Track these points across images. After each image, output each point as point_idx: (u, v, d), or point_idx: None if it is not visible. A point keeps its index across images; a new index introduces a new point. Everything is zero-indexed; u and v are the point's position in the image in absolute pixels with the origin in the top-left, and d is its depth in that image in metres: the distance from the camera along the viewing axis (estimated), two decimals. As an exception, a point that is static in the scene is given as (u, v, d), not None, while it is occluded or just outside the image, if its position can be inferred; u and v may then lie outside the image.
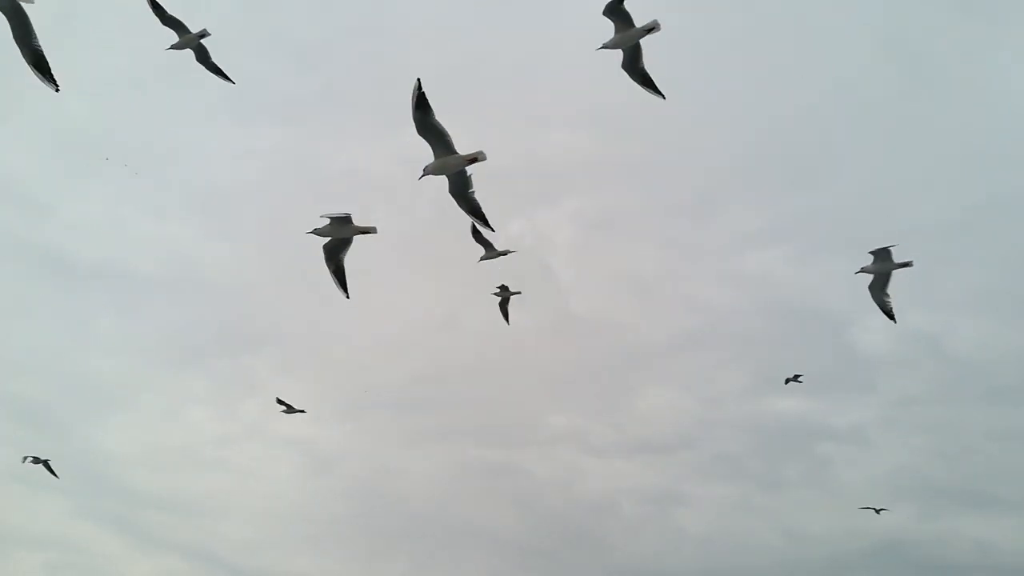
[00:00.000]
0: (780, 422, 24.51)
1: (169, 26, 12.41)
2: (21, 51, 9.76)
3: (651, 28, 11.40)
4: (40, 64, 9.85)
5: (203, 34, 12.57)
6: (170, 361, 23.72)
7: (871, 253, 12.41)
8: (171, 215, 25.92)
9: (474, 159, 10.61)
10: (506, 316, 15.57)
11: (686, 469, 24.70)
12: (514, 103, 26.43)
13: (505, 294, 15.33)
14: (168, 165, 24.64)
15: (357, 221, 10.66)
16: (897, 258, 12.50)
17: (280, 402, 16.85)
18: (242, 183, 25.29)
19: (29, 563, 23.32)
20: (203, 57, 12.68)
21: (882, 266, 12.48)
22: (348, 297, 11.09)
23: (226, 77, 12.89)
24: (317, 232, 10.64)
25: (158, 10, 12.14)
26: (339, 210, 10.68)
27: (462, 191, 10.59)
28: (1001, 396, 22.06)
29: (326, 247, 10.67)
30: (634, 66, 11.58)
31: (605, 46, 11.55)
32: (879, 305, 12.73)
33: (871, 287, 12.65)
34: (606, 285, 26.50)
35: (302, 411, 17.06)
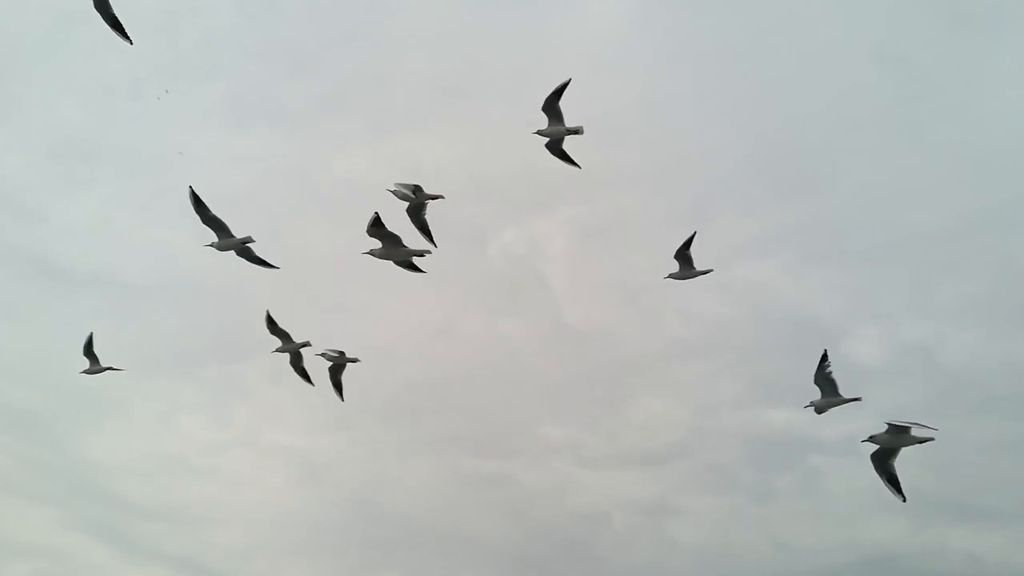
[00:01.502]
0: (772, 433, 24.46)
1: (210, 226, 12.13)
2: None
3: (576, 131, 13.67)
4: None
5: (247, 240, 12.24)
6: (162, 368, 23.52)
7: (817, 384, 12.71)
8: (165, 221, 25.78)
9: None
10: (339, 390, 13.94)
11: (679, 480, 24.63)
12: (509, 110, 26.41)
13: (339, 360, 13.71)
14: (163, 170, 24.55)
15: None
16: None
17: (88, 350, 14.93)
18: (237, 189, 25.14)
19: (17, 573, 23.13)
20: (247, 255, 12.33)
21: (830, 401, 12.71)
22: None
23: (271, 266, 12.54)
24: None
25: (199, 206, 12.00)
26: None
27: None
28: (994, 408, 22.05)
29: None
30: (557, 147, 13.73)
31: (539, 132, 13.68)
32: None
33: (817, 410, 12.78)
34: (600, 295, 26.46)
35: (118, 368, 15.21)
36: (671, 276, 13.42)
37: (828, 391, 12.70)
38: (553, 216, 27.26)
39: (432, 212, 12.09)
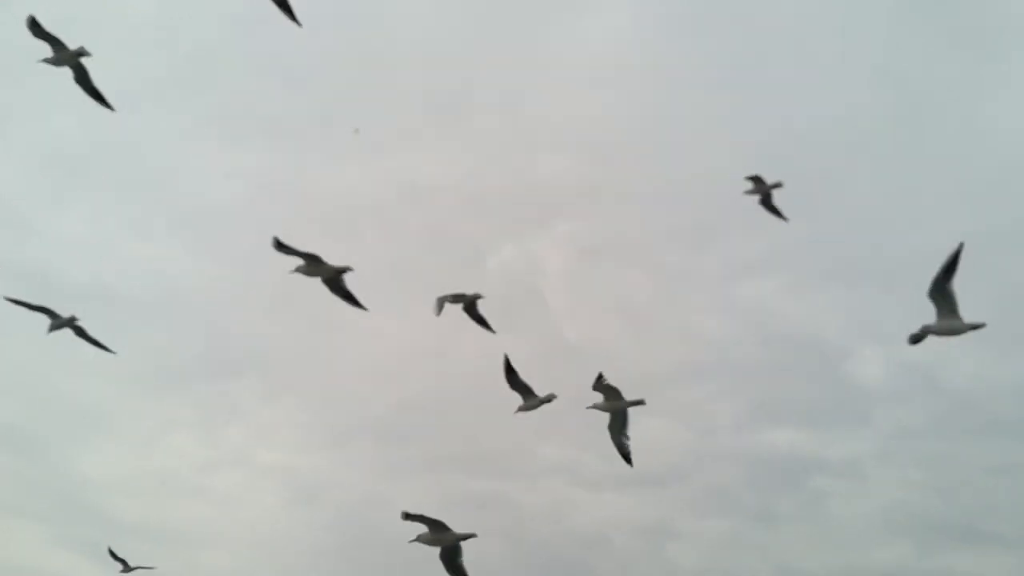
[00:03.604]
0: (774, 454, 24.23)
1: None
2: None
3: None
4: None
5: None
6: (152, 385, 23.30)
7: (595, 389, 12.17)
8: (157, 235, 25.64)
9: None
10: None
11: (679, 502, 24.33)
12: (506, 127, 26.32)
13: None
14: (155, 184, 24.39)
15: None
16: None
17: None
18: (229, 204, 25.00)
19: (5, 591, 22.81)
20: None
21: (614, 404, 12.12)
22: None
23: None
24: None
25: None
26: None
27: None
28: (998, 430, 21.86)
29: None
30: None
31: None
32: (617, 447, 12.22)
33: (609, 427, 12.18)
34: (599, 313, 26.24)
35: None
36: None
37: (609, 393, 12.14)
38: (551, 233, 27.09)
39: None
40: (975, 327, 10.38)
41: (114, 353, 13.61)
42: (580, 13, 24.90)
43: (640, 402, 12.11)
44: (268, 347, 25.34)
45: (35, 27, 11.29)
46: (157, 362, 23.66)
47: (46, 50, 11.66)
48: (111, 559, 15.82)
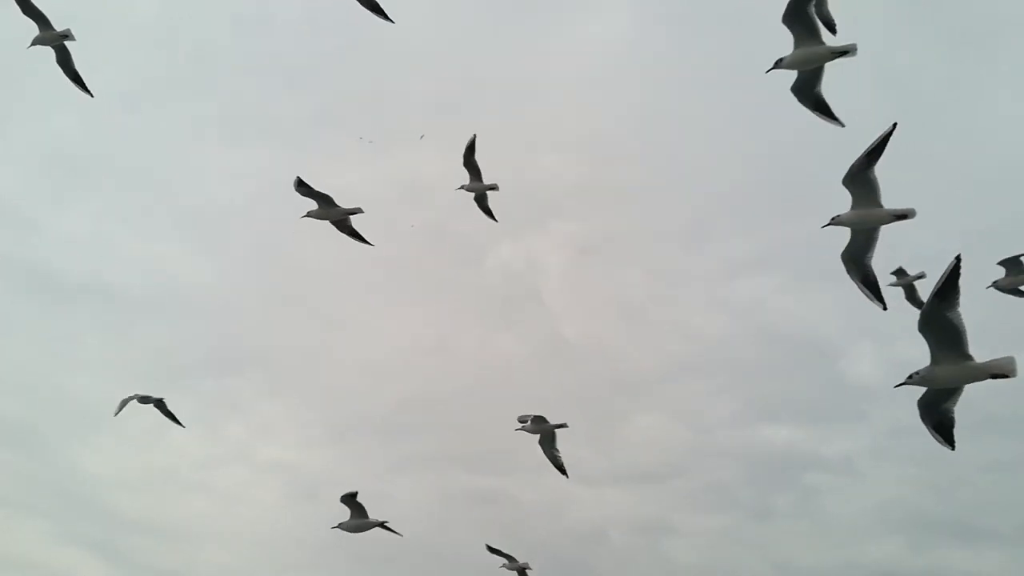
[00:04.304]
0: (771, 452, 24.34)
1: None
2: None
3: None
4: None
5: None
6: (155, 382, 23.44)
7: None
8: (159, 234, 25.80)
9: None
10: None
11: (676, 498, 24.49)
12: (505, 127, 26.41)
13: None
14: (157, 183, 24.53)
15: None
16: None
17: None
18: (231, 203, 25.15)
19: (9, 588, 22.96)
20: None
21: (540, 427, 13.27)
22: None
23: None
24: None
25: None
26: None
27: None
28: (992, 427, 21.90)
29: None
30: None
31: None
32: (551, 460, 13.42)
33: (540, 443, 13.36)
34: (597, 311, 26.37)
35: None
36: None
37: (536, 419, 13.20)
38: (550, 232, 27.21)
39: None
40: (901, 216, 9.00)
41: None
42: (579, 14, 24.97)
43: (563, 425, 13.24)
44: (268, 345, 25.51)
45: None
46: (159, 359, 23.85)
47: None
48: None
